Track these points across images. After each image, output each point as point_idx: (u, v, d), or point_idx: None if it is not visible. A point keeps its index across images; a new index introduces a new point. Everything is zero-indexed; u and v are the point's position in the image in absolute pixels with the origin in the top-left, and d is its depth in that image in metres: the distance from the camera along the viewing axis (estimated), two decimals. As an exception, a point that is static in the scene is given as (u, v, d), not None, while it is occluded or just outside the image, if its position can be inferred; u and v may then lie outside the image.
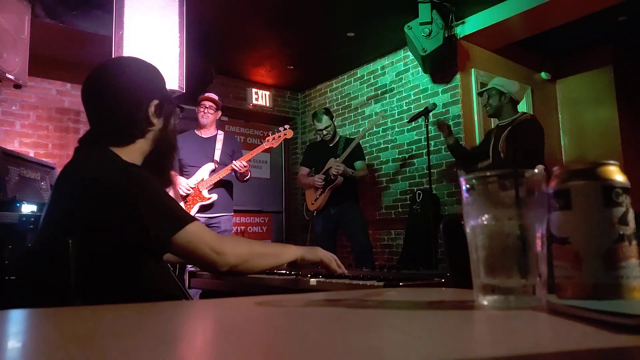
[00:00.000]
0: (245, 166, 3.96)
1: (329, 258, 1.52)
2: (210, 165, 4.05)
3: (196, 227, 1.23)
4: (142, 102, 1.33)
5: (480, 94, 3.93)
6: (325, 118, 4.57)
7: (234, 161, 3.97)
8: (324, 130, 4.59)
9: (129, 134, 1.32)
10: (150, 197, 1.21)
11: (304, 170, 4.79)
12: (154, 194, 1.22)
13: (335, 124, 4.88)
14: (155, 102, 1.35)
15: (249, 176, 4.11)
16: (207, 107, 4.16)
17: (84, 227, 1.16)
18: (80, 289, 1.11)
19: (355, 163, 4.53)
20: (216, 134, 4.22)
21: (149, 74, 1.42)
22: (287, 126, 4.31)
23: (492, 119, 4.40)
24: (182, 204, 3.96)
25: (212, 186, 4.00)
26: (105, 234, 1.17)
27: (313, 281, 1.56)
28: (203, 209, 3.99)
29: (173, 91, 3.51)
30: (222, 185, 4.08)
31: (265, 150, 4.51)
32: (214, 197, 3.98)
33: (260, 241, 1.62)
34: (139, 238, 1.18)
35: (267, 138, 4.23)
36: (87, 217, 1.17)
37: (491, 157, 3.68)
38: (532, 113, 5.34)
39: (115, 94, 1.33)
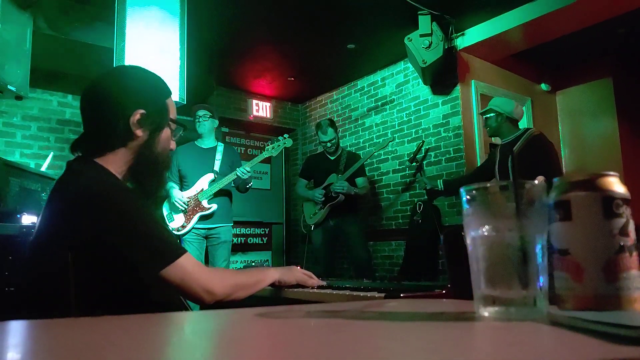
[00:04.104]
0: (248, 172, 3.98)
1: (305, 278, 1.67)
2: (210, 176, 4.08)
3: (186, 262, 1.21)
4: (124, 109, 1.28)
5: (481, 114, 3.95)
6: (330, 130, 4.54)
7: (237, 168, 3.98)
8: (328, 143, 4.57)
9: (109, 142, 1.29)
10: (139, 226, 1.18)
11: (303, 182, 4.78)
12: (143, 222, 1.20)
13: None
14: (141, 111, 1.29)
15: (250, 184, 4.12)
16: (200, 117, 4.19)
17: (79, 244, 1.14)
18: (79, 300, 1.11)
19: (357, 180, 4.51)
20: (216, 145, 4.24)
21: (143, 84, 1.36)
22: (286, 135, 4.33)
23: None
24: (181, 214, 3.97)
25: (212, 196, 4.02)
26: (99, 252, 1.15)
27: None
28: (203, 218, 4.01)
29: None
30: (222, 195, 4.10)
31: (265, 160, 4.52)
32: (214, 206, 4.00)
33: (244, 271, 1.66)
34: (130, 265, 1.16)
35: (266, 147, 4.25)
36: (80, 236, 1.15)
37: (497, 175, 3.62)
38: (532, 125, 5.36)
39: (100, 101, 1.31)
